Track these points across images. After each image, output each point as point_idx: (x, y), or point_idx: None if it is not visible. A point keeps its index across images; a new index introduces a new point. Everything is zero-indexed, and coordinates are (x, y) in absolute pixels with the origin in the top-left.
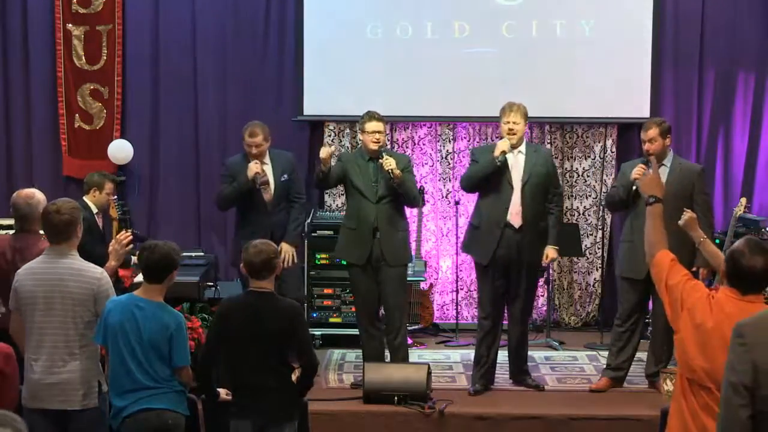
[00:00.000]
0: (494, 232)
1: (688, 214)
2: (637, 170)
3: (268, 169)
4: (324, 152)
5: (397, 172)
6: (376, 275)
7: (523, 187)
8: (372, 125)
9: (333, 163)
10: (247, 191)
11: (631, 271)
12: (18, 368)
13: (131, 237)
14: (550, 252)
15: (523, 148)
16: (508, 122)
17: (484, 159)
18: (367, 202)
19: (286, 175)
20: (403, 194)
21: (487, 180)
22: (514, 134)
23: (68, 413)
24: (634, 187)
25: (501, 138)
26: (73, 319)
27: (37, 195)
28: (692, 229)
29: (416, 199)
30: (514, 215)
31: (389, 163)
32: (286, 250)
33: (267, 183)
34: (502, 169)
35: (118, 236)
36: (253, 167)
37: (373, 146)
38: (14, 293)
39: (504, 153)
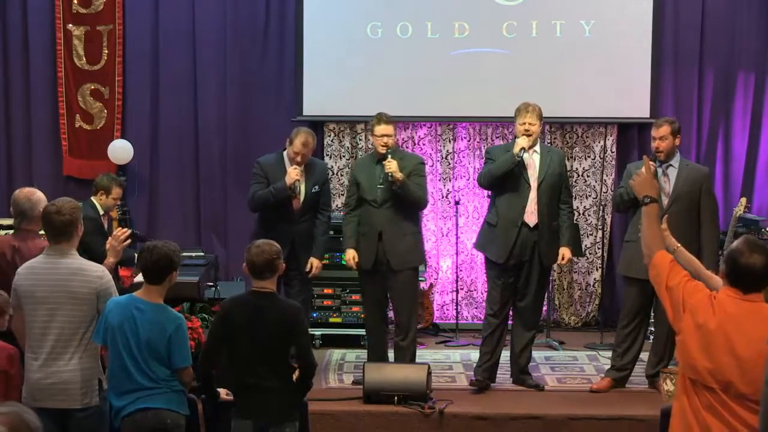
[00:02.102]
0: (511, 230)
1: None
2: (645, 167)
3: (302, 176)
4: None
5: (398, 175)
6: (384, 279)
7: (539, 186)
8: (380, 128)
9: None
10: (283, 199)
11: (637, 271)
12: (21, 368)
13: (129, 233)
14: (566, 252)
15: (537, 148)
16: (524, 123)
17: (501, 157)
18: (371, 207)
19: (317, 186)
20: (404, 197)
21: (505, 178)
22: (530, 135)
23: (69, 412)
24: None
25: (515, 138)
26: (74, 317)
27: (38, 193)
28: (665, 239)
29: (419, 202)
30: (530, 214)
31: (390, 166)
32: (317, 266)
33: (298, 191)
34: (519, 168)
35: (115, 233)
36: (293, 174)
37: (381, 149)
38: (14, 292)
39: (523, 149)
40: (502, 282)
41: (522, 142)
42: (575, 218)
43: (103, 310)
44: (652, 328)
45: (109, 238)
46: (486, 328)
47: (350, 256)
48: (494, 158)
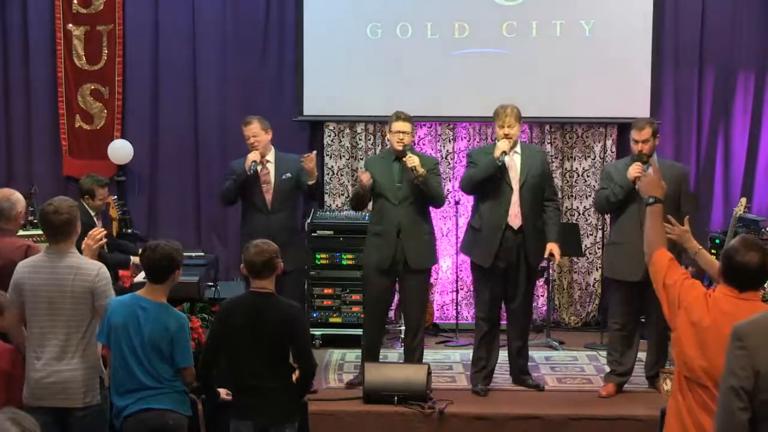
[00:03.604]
0: (495, 234)
1: (679, 229)
2: (635, 169)
3: (271, 167)
4: (365, 177)
5: (421, 170)
6: (395, 280)
7: (521, 187)
8: (398, 125)
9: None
10: (245, 183)
11: (627, 274)
12: (22, 368)
13: (105, 232)
14: (553, 247)
15: (518, 148)
16: (503, 126)
17: (482, 160)
18: (390, 205)
19: (288, 174)
20: (426, 193)
21: (486, 182)
22: (510, 138)
23: (70, 411)
24: (636, 186)
25: (497, 140)
26: (75, 316)
27: (17, 194)
28: (687, 242)
29: (439, 198)
30: (514, 216)
31: (412, 160)
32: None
33: (267, 182)
34: (500, 171)
35: (91, 232)
36: (251, 156)
37: (398, 146)
38: (16, 287)
39: (504, 153)
40: (490, 285)
41: (502, 145)
42: (575, 218)
43: (104, 309)
44: (648, 328)
45: (86, 237)
46: (478, 331)
47: (363, 171)
48: (476, 161)
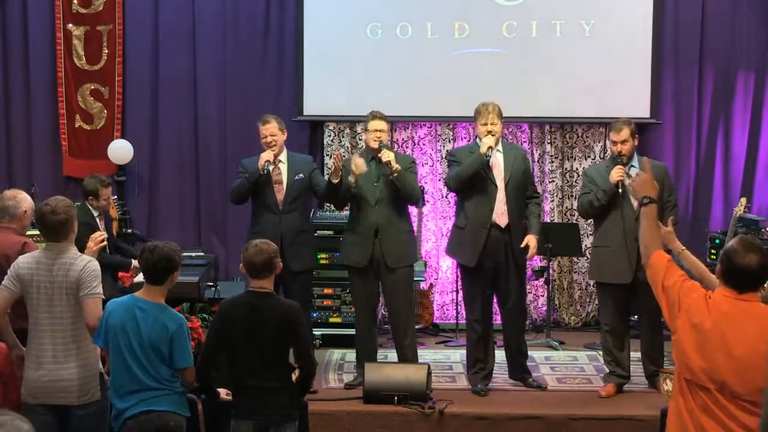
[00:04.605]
0: (480, 233)
1: (663, 230)
2: (617, 172)
3: (284, 167)
4: (360, 162)
5: (396, 165)
6: (377, 278)
7: (507, 185)
8: (374, 124)
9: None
10: (257, 182)
11: (616, 276)
12: (21, 367)
13: (105, 236)
14: (530, 239)
15: (499, 146)
16: (486, 124)
17: (466, 158)
18: (367, 204)
19: (301, 174)
20: (401, 188)
21: (472, 180)
22: (493, 135)
23: (70, 409)
24: (619, 190)
25: (478, 138)
26: (72, 314)
27: (23, 193)
28: (670, 242)
29: (416, 193)
30: (500, 215)
31: (387, 155)
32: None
33: (279, 182)
34: (484, 170)
35: (93, 236)
36: (264, 155)
37: (374, 144)
38: (17, 277)
39: (491, 149)
40: (481, 286)
41: (488, 141)
42: (575, 218)
43: (85, 299)
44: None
45: (89, 241)
46: (471, 333)
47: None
48: (459, 160)
